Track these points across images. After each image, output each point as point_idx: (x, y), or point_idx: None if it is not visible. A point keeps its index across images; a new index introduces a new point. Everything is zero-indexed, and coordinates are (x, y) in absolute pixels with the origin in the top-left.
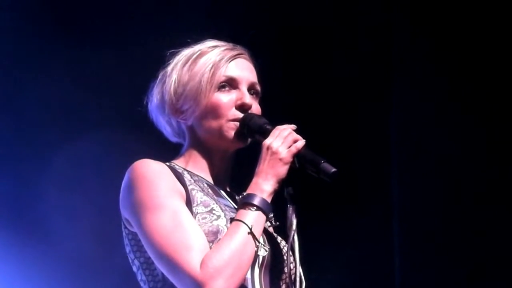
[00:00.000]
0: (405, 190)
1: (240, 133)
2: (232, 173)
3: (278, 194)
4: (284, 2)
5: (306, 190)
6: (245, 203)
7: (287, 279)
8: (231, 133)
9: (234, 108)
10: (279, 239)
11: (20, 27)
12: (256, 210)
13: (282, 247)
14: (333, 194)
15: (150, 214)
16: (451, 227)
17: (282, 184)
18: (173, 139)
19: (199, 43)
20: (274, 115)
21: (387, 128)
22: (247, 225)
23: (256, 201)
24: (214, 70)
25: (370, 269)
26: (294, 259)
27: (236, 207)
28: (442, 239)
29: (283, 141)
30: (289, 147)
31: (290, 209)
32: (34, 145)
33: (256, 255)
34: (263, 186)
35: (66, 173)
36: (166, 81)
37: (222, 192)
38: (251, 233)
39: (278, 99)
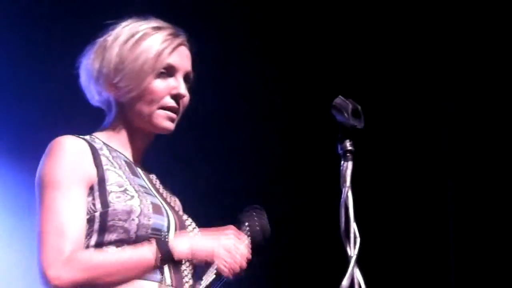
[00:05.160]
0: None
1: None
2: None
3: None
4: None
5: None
6: (160, 244)
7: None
8: (160, 121)
9: (168, 96)
10: (189, 222)
11: (23, 25)
12: (162, 258)
13: (183, 220)
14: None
15: (48, 190)
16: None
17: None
18: (95, 104)
19: (142, 19)
20: None
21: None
22: (151, 259)
23: (169, 253)
24: (158, 57)
25: (424, 270)
26: (348, 216)
27: (149, 186)
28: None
29: (232, 258)
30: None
31: (344, 165)
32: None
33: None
34: (181, 247)
35: None
36: (106, 53)
37: (139, 170)
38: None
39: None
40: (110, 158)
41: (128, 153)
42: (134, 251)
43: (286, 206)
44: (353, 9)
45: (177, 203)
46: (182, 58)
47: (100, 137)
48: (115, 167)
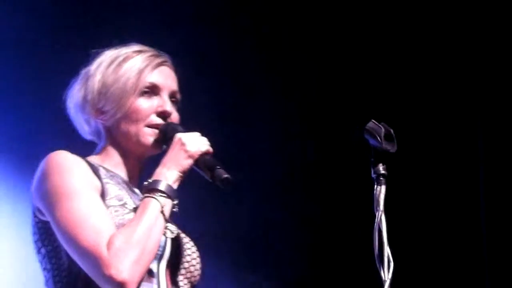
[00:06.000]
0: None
1: (157, 140)
2: (144, 173)
3: (365, 175)
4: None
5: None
6: (151, 189)
7: (187, 274)
8: (148, 139)
9: (154, 114)
10: (178, 230)
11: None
12: (162, 194)
13: (181, 239)
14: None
15: (64, 201)
16: None
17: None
18: (88, 137)
19: (124, 46)
20: None
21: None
22: (158, 205)
23: (161, 187)
24: (139, 76)
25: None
26: (382, 240)
27: None
28: None
29: (196, 139)
30: (200, 146)
31: (378, 189)
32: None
33: (164, 248)
34: (167, 174)
35: None
36: (90, 80)
37: (136, 190)
38: (162, 212)
39: None
40: (108, 175)
41: (123, 175)
42: (143, 210)
43: (319, 232)
44: (382, 32)
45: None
46: (165, 77)
47: (94, 160)
48: (114, 182)
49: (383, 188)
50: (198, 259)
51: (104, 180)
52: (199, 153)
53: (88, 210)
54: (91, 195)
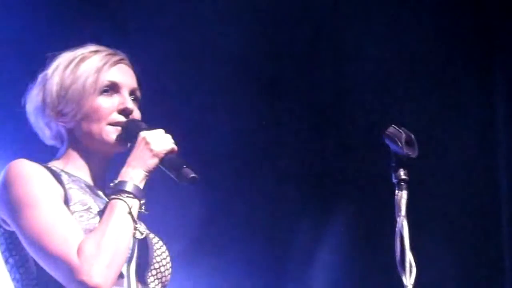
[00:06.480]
0: None
1: (121, 137)
2: (109, 174)
3: (385, 180)
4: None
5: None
6: (117, 190)
7: (158, 274)
8: (111, 137)
9: (115, 112)
10: (147, 231)
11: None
12: (128, 195)
13: (150, 240)
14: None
15: (28, 211)
16: None
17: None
18: (49, 142)
19: (80, 47)
20: None
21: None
22: (126, 206)
23: (128, 187)
24: (98, 75)
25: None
26: (403, 245)
27: None
28: None
29: (160, 137)
30: (164, 145)
31: (399, 195)
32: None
33: (133, 249)
34: (132, 174)
35: None
36: (48, 83)
37: (100, 192)
38: (130, 213)
39: None
40: (70, 180)
41: (87, 178)
42: (111, 213)
43: (342, 238)
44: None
45: (142, 225)
46: (123, 74)
47: (56, 165)
48: (77, 187)
49: (405, 193)
50: (168, 259)
51: (67, 186)
52: (164, 152)
53: (53, 218)
54: (54, 202)
